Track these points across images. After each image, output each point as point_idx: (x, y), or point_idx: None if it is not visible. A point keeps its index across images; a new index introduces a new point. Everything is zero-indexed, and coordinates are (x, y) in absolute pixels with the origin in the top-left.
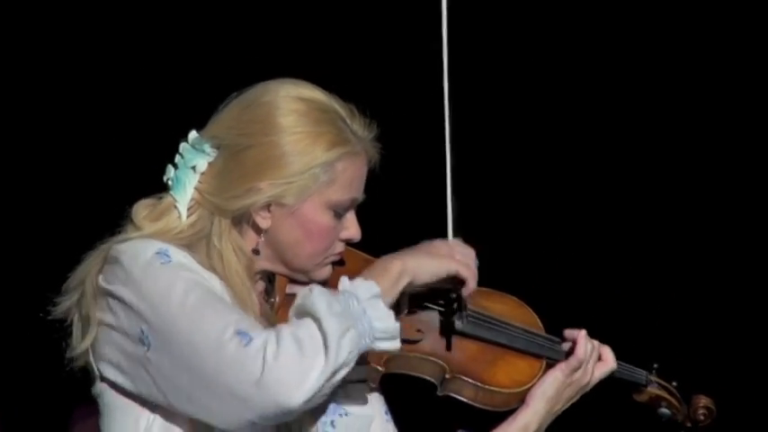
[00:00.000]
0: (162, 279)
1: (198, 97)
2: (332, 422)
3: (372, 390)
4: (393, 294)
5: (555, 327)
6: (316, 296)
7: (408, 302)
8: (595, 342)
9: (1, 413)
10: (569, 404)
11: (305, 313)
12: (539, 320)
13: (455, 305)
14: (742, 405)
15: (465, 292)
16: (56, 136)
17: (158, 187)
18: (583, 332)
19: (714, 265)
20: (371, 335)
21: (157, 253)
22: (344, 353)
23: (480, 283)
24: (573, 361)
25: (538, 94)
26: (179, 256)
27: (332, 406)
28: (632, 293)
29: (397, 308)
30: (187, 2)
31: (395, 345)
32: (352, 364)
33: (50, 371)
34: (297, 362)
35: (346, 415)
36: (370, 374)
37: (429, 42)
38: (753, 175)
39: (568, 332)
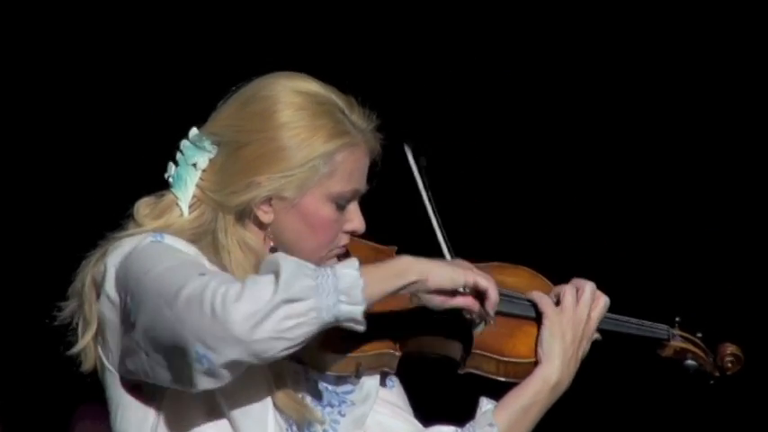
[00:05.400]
0: (148, 252)
1: (200, 95)
2: (340, 412)
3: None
4: (388, 285)
5: None
6: (282, 256)
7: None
8: (577, 282)
9: (2, 412)
10: (586, 345)
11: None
12: (553, 287)
13: (477, 320)
14: None
15: (488, 305)
16: (55, 137)
17: (161, 185)
18: None
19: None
20: (334, 292)
21: (152, 240)
22: (296, 288)
23: (491, 255)
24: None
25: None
26: (173, 240)
27: (341, 396)
28: (647, 251)
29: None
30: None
31: (355, 310)
32: (308, 307)
33: (53, 370)
34: (249, 293)
35: (353, 404)
36: (387, 361)
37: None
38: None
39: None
